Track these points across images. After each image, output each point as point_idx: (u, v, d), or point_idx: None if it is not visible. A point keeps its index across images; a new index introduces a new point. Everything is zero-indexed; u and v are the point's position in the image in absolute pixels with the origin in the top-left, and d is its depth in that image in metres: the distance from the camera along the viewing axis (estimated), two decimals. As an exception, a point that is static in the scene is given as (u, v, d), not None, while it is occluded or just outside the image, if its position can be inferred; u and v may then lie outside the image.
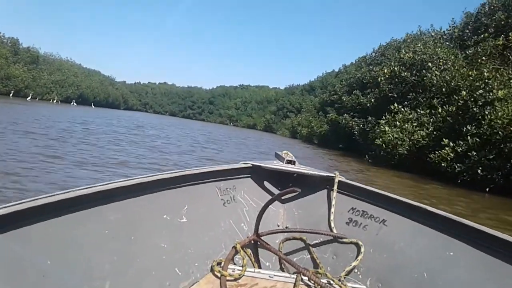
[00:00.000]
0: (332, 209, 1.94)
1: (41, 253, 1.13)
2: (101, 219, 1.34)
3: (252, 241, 1.86)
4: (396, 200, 1.80)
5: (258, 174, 2.10)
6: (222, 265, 1.64)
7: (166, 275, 1.49)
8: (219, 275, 1.58)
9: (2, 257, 1.04)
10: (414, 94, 16.70)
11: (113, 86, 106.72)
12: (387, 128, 15.12)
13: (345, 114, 25.22)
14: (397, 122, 15.45)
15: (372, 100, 20.32)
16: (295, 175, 2.13)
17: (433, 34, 22.60)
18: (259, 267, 1.83)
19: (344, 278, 1.72)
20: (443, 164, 11.66)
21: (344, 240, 1.85)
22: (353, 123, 24.45)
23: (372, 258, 1.75)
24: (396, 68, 17.19)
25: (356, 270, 1.76)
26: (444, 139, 11.97)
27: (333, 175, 2.02)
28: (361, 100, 24.95)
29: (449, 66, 15.72)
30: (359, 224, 1.88)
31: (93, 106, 70.87)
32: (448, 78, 14.58)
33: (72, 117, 20.93)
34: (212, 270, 1.63)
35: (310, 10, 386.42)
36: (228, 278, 1.56)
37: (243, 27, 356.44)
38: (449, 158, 11.57)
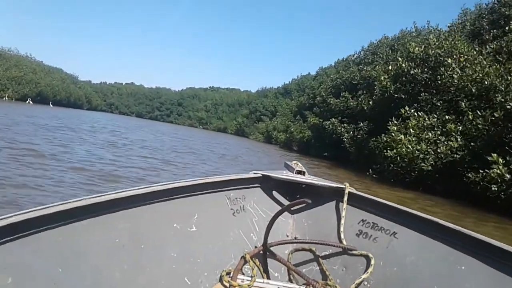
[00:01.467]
0: (342, 221, 1.90)
1: (52, 261, 1.14)
2: (111, 227, 1.33)
3: (261, 252, 1.82)
4: (407, 213, 1.76)
5: (268, 184, 2.07)
6: (231, 275, 1.62)
7: (176, 285, 1.50)
8: (228, 285, 1.56)
9: (13, 265, 1.05)
10: (427, 94, 13.73)
11: (76, 85, 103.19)
12: (402, 137, 12.01)
13: (333, 119, 22.17)
14: (411, 130, 12.39)
15: (370, 102, 17.28)
16: (304, 185, 2.10)
17: (434, 29, 19.93)
18: (268, 277, 1.81)
19: None
20: (493, 188, 8.56)
21: (354, 252, 1.80)
22: (342, 129, 21.44)
23: (382, 271, 1.69)
24: (404, 65, 14.18)
25: (366, 283, 1.70)
26: (491, 154, 8.89)
27: (343, 186, 1.98)
28: (350, 103, 22.01)
29: (470, 62, 12.81)
30: (369, 236, 1.83)
31: (51, 105, 65.70)
32: (477, 76, 11.63)
33: None
34: (221, 280, 1.61)
35: (282, 12, 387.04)
36: None
37: (213, 28, 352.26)
38: (501, 180, 8.50)
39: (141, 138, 16.22)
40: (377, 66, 21.72)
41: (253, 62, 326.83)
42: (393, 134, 12.54)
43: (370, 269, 1.70)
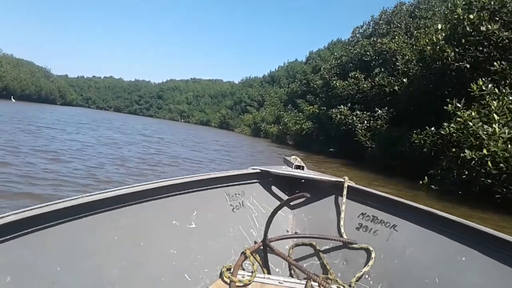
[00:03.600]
0: (342, 215, 1.91)
1: (52, 259, 1.14)
2: (110, 225, 1.34)
3: (262, 247, 1.82)
4: (407, 205, 1.76)
5: (267, 180, 2.09)
6: (231, 271, 1.61)
7: (176, 281, 1.49)
8: (228, 281, 1.57)
9: (12, 263, 1.05)
10: (504, 64, 9.13)
11: (48, 79, 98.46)
12: (496, 128, 7.38)
13: (341, 106, 17.52)
14: (495, 115, 7.79)
15: (404, 80, 12.64)
16: (303, 180, 2.12)
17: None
18: (269, 273, 1.80)
19: (355, 284, 1.69)
20: None
21: (354, 245, 1.80)
22: (354, 118, 16.83)
23: (383, 264, 1.70)
24: (472, 16, 9.47)
25: (366, 276, 1.70)
26: None
27: (342, 180, 1.98)
28: (363, 85, 17.38)
29: None
30: (369, 229, 1.84)
31: (13, 100, 59.85)
32: None
33: None
34: (221, 276, 1.62)
35: (264, 1, 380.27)
36: (237, 284, 1.56)
37: (194, 18, 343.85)
38: None
39: (85, 142, 11.30)
40: (396, 37, 17.14)
41: (236, 52, 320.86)
42: (471, 123, 7.87)
43: (370, 262, 1.69)
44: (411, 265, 1.63)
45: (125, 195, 1.38)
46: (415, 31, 16.66)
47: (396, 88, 13.00)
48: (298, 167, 2.14)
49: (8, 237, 1.05)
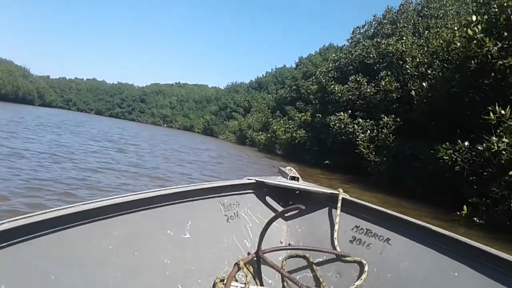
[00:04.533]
0: (336, 227, 1.90)
1: (46, 267, 1.14)
2: (105, 234, 1.33)
3: (255, 258, 1.79)
4: (401, 219, 1.75)
5: (262, 190, 2.07)
6: (224, 282, 1.61)
7: None
8: None
9: (6, 271, 1.05)
10: None
11: (27, 79, 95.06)
12: None
13: (340, 113, 15.41)
14: None
15: (423, 84, 10.53)
16: (298, 192, 2.11)
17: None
18: (262, 284, 1.81)
19: None
20: None
21: (348, 258, 1.79)
22: (355, 126, 14.75)
23: (376, 278, 1.69)
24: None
25: None
26: None
27: (336, 192, 1.98)
28: (366, 90, 15.34)
29: None
30: (363, 242, 1.83)
31: (-18, 99, 56.60)
32: None
33: None
34: (214, 287, 1.62)
35: (250, 6, 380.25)
36: None
37: (181, 23, 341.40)
38: None
39: (20, 149, 8.91)
40: (404, 38, 15.17)
41: (223, 58, 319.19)
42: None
43: (363, 276, 1.68)
44: (404, 279, 1.61)
45: (119, 204, 1.37)
46: (425, 31, 14.74)
47: (412, 93, 10.84)
48: (293, 178, 2.11)
49: (2, 245, 1.04)
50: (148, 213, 1.50)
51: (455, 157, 8.15)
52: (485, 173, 7.84)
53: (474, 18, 8.46)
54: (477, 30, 8.14)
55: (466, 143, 7.98)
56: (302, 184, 2.05)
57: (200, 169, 11.24)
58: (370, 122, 14.52)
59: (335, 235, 1.88)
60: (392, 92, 14.38)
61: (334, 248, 1.85)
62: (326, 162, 17.20)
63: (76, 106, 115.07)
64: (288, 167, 2.26)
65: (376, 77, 15.05)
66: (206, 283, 1.62)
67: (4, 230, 1.02)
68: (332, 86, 16.95)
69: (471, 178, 8.25)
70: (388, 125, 13.94)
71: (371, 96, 15.22)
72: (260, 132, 30.34)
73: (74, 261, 1.21)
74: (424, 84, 10.40)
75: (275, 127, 25.26)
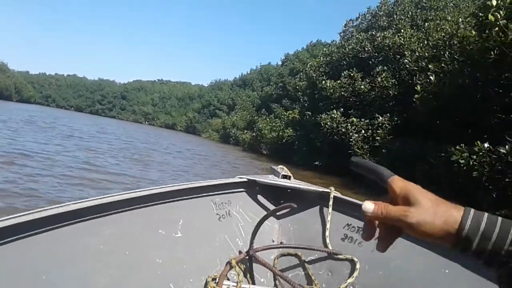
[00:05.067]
0: (328, 225, 1.90)
1: (37, 267, 1.13)
2: (96, 233, 1.33)
3: (247, 257, 1.78)
4: None
5: (253, 189, 2.08)
6: (216, 281, 1.60)
7: None
8: None
9: None
10: None
11: (4, 73, 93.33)
12: None
13: (333, 111, 14.31)
14: None
15: (430, 78, 9.43)
16: (289, 190, 2.11)
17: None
18: (254, 283, 1.80)
19: None
20: None
21: (339, 256, 1.80)
22: (348, 125, 13.68)
23: (367, 275, 1.70)
24: None
25: (351, 287, 1.70)
26: None
27: (328, 190, 1.98)
28: (361, 87, 14.29)
29: None
30: (354, 240, 1.83)
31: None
32: None
33: None
34: (206, 286, 1.61)
35: (236, 3, 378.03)
36: None
37: (165, 20, 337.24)
38: None
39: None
40: (402, 30, 14.18)
41: (206, 55, 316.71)
42: None
43: (355, 273, 1.68)
44: (395, 277, 1.62)
45: (110, 204, 1.36)
46: (425, 24, 13.75)
47: (418, 88, 9.76)
48: (284, 176, 2.13)
49: None
50: (140, 212, 1.48)
51: (471, 160, 7.09)
52: (506, 179, 6.82)
53: (494, 2, 7.40)
54: (499, 16, 7.08)
55: (486, 145, 6.92)
56: (293, 183, 2.05)
57: (176, 175, 9.96)
58: (365, 121, 13.47)
59: (327, 233, 1.88)
60: (388, 88, 13.35)
61: (326, 246, 1.85)
62: (316, 163, 16.07)
63: (56, 103, 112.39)
64: (280, 166, 2.25)
65: (372, 73, 13.99)
66: (198, 282, 1.61)
67: None
68: (324, 81, 15.83)
69: (487, 184, 7.23)
70: (384, 125, 12.92)
71: (366, 93, 14.16)
72: (245, 131, 29.07)
73: (66, 260, 1.20)
74: (431, 77, 9.30)
75: (260, 126, 24.03)
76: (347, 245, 1.83)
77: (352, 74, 14.62)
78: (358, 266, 1.70)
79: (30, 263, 1.11)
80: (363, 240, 1.63)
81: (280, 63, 44.68)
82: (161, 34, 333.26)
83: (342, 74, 15.30)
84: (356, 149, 13.08)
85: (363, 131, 13.42)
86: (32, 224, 1.11)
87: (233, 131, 34.25)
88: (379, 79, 13.36)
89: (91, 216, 1.30)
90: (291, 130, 18.05)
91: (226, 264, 1.65)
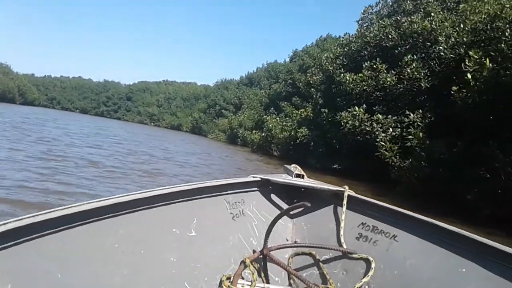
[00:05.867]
0: (342, 224, 1.89)
1: (51, 267, 1.13)
2: (111, 232, 1.33)
3: (261, 256, 1.78)
4: (407, 216, 1.74)
5: (267, 188, 2.07)
6: (231, 280, 1.59)
7: None
8: None
9: (12, 271, 1.04)
10: None
11: (7, 76, 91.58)
12: None
13: (355, 107, 12.61)
14: None
15: (486, 64, 7.69)
16: (303, 189, 2.10)
17: None
18: (268, 282, 1.79)
19: None
20: None
21: (354, 255, 1.78)
22: (375, 124, 11.98)
23: (382, 275, 1.67)
24: None
25: (366, 286, 1.68)
26: None
27: (342, 189, 1.97)
28: (387, 79, 12.57)
29: None
30: (369, 239, 1.81)
31: None
32: None
33: None
34: (221, 285, 1.59)
35: (241, 4, 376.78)
36: None
37: (171, 20, 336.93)
38: None
39: None
40: (433, 14, 12.44)
41: (212, 55, 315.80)
42: None
43: (370, 273, 1.66)
44: (411, 276, 1.59)
45: (124, 203, 1.36)
46: (461, 5, 11.98)
47: (468, 76, 8.02)
48: (298, 175, 2.13)
49: (8, 244, 1.04)
50: (154, 212, 1.48)
51: None
52: None
53: None
54: None
55: None
56: (307, 182, 2.04)
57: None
58: (392, 118, 11.76)
59: (341, 232, 1.85)
60: (420, 80, 11.61)
61: (340, 245, 1.82)
62: (335, 166, 14.39)
63: (61, 105, 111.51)
64: (293, 165, 2.24)
65: (400, 63, 12.26)
66: (213, 281, 1.59)
67: (10, 229, 1.02)
68: (342, 75, 14.11)
69: None
70: (416, 122, 11.20)
71: (392, 87, 12.43)
72: (254, 131, 27.34)
73: (79, 260, 1.19)
74: (487, 62, 7.54)
75: (270, 125, 22.28)
76: (362, 244, 1.79)
77: (375, 66, 12.88)
78: (373, 265, 1.66)
79: (44, 263, 1.10)
80: (378, 239, 1.75)
81: (288, 60, 42.93)
82: (166, 35, 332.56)
83: (363, 65, 13.58)
84: (384, 151, 11.37)
85: (390, 130, 11.71)
86: (46, 224, 1.11)
87: (240, 131, 32.63)
88: (408, 70, 11.61)
89: (105, 216, 1.29)
90: (305, 130, 16.31)
91: (241, 263, 1.65)
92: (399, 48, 12.86)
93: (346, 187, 1.96)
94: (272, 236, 1.76)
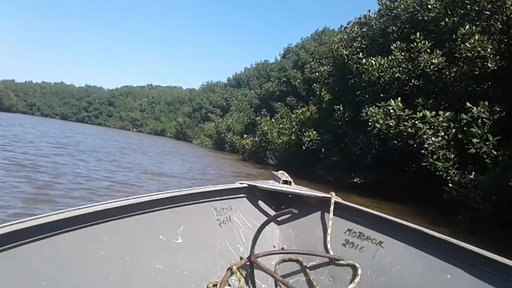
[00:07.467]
0: (329, 231, 1.87)
1: (36, 274, 1.11)
2: (96, 239, 1.31)
3: (248, 263, 1.75)
4: (393, 222, 1.72)
5: (254, 194, 2.04)
6: (218, 287, 1.58)
7: None
8: None
9: None
10: None
11: None
12: None
13: (391, 101, 9.10)
14: None
15: None
16: (290, 195, 2.07)
17: None
18: None
19: None
20: None
21: (341, 262, 1.76)
22: (421, 124, 8.48)
23: (369, 281, 1.66)
24: None
25: None
26: None
27: (329, 195, 1.95)
28: (431, 60, 9.11)
29: None
30: (355, 246, 1.80)
31: None
32: None
33: None
34: None
35: (223, 6, 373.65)
36: None
37: (154, 23, 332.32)
38: None
39: None
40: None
41: (198, 59, 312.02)
42: None
43: (357, 279, 1.65)
44: (397, 283, 1.59)
45: (110, 210, 1.33)
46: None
47: None
48: (285, 182, 2.11)
49: None
50: (140, 218, 1.46)
51: None
52: None
53: None
54: None
55: None
56: (294, 188, 2.03)
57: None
58: (444, 115, 8.30)
59: (328, 238, 1.85)
60: (484, 59, 8.18)
61: (327, 251, 1.82)
62: (355, 180, 10.85)
63: (40, 111, 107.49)
64: (281, 171, 2.21)
65: (450, 41, 8.83)
66: None
67: None
68: (364, 60, 10.62)
69: None
70: (482, 119, 7.76)
71: (440, 71, 9.00)
72: (245, 136, 23.67)
73: (65, 266, 1.18)
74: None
75: (265, 128, 18.63)
76: (349, 251, 1.79)
77: (415, 44, 9.41)
78: (359, 271, 1.66)
79: (29, 270, 1.09)
80: (364, 246, 1.74)
81: (278, 58, 39.50)
82: (151, 39, 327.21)
83: (393, 46, 10.13)
84: (436, 161, 7.90)
85: (441, 131, 8.26)
86: (32, 230, 1.09)
87: (228, 136, 29.02)
88: (468, 45, 8.16)
89: (91, 222, 1.27)
90: (313, 133, 12.72)
91: (227, 270, 1.63)
92: (446, 20, 9.41)
93: (333, 194, 1.93)
94: (259, 242, 1.72)
